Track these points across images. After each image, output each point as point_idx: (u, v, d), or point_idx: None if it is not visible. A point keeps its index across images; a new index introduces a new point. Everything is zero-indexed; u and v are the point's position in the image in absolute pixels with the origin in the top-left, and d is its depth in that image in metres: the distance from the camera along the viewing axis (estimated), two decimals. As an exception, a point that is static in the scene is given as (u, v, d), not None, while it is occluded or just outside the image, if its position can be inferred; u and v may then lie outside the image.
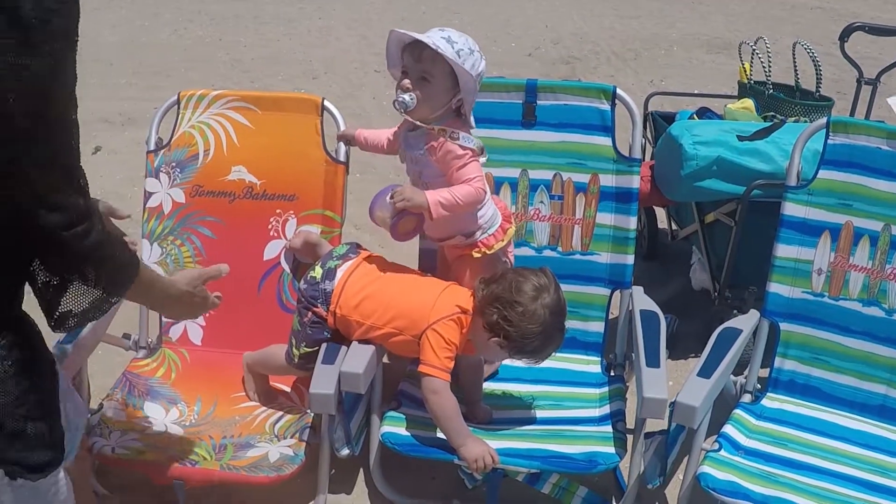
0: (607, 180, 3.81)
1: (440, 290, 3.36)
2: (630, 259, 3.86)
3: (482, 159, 3.44)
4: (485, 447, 3.19)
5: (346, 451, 3.27)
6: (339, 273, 3.42)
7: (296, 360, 3.42)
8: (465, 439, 3.20)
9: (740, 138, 4.14)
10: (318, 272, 3.44)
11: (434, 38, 3.20)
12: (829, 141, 3.58)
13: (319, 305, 3.39)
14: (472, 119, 3.42)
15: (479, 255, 3.52)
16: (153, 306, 2.78)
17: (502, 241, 3.55)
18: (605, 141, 3.83)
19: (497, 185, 3.88)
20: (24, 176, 1.87)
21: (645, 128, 5.30)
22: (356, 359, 3.21)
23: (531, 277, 3.22)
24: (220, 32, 11.52)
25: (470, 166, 3.37)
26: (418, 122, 3.35)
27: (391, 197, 3.31)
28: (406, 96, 3.28)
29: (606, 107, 3.83)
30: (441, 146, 3.35)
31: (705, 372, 3.22)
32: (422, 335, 3.24)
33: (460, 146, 3.34)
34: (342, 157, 3.77)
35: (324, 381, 3.11)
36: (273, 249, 3.81)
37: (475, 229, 3.51)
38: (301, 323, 3.40)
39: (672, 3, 13.39)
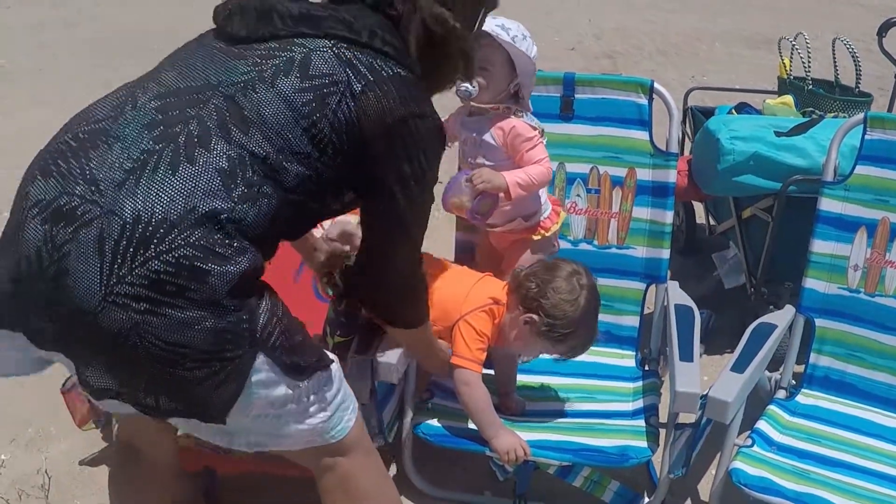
0: (644, 174, 3.81)
1: (473, 281, 3.36)
2: (666, 253, 3.85)
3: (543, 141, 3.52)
4: (516, 439, 3.19)
5: (378, 442, 3.27)
6: None
7: (330, 348, 3.42)
8: (497, 431, 3.20)
9: (777, 134, 4.12)
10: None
11: (489, 26, 3.24)
12: (867, 136, 3.57)
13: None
14: (528, 103, 3.48)
15: (538, 238, 3.61)
16: (424, 355, 3.26)
17: (557, 223, 3.64)
18: (642, 135, 3.83)
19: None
20: None
21: (684, 123, 5.31)
22: (390, 349, 3.20)
23: (567, 264, 3.26)
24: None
25: (538, 147, 3.48)
26: (482, 106, 3.44)
27: (469, 180, 3.36)
28: (468, 84, 3.31)
29: (644, 101, 3.83)
30: (510, 128, 3.45)
31: (738, 367, 3.21)
32: (454, 326, 3.25)
33: (529, 125, 3.45)
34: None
35: (357, 371, 3.11)
36: (310, 239, 3.78)
37: (535, 211, 3.59)
38: (335, 311, 3.40)
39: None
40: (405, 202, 2.41)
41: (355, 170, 2.33)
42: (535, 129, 3.48)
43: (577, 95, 3.88)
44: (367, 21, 2.34)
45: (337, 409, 2.50)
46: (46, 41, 10.56)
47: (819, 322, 3.65)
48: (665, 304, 3.75)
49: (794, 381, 3.71)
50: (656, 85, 3.84)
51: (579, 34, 11.07)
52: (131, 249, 2.06)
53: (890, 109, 5.18)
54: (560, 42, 10.71)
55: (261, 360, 2.21)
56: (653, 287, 3.88)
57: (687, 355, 3.25)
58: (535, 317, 3.17)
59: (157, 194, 2.10)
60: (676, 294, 3.73)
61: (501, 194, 3.40)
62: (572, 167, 3.88)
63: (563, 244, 3.90)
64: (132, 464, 2.83)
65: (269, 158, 2.20)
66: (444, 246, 3.93)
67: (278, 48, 2.29)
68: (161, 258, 2.06)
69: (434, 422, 3.38)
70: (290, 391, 2.32)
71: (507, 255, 3.70)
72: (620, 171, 3.86)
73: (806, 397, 3.63)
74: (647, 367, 3.81)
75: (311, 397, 2.41)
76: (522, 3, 12.32)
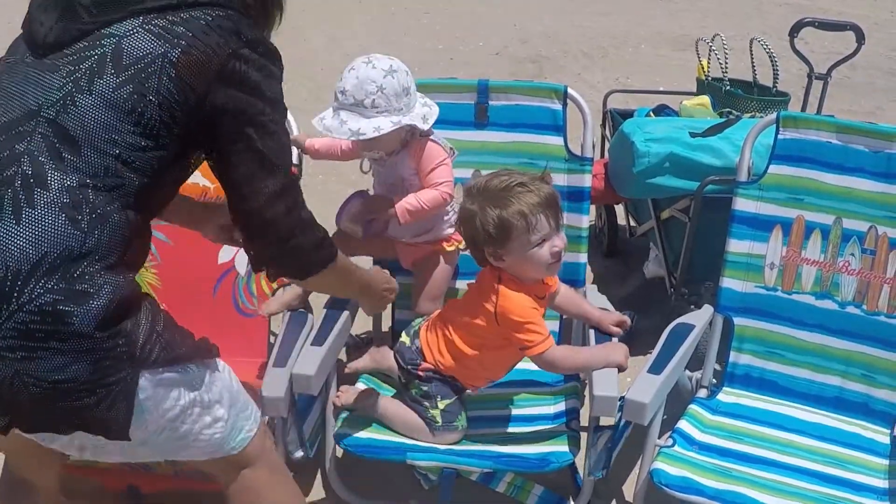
0: (559, 179, 3.78)
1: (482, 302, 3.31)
2: (583, 258, 3.87)
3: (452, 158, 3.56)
4: (620, 350, 3.29)
5: (299, 454, 3.24)
6: (420, 332, 3.42)
7: (438, 421, 3.37)
8: (608, 357, 3.27)
9: (693, 135, 4.15)
10: (405, 338, 3.45)
11: (360, 124, 3.28)
12: (780, 136, 3.61)
13: (422, 362, 3.37)
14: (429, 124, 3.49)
15: (451, 249, 3.68)
16: (348, 293, 3.14)
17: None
18: (556, 140, 3.84)
19: (450, 185, 3.88)
20: None
21: (604, 126, 5.33)
22: (308, 360, 3.17)
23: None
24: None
25: (442, 169, 3.49)
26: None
27: (358, 209, 3.42)
28: (369, 157, 3.49)
29: (558, 106, 3.84)
30: (421, 151, 3.49)
31: (656, 368, 3.23)
32: (511, 339, 3.23)
33: (441, 147, 3.50)
34: (295, 161, 3.77)
35: (274, 384, 3.06)
36: (227, 253, 3.76)
37: (434, 227, 3.62)
38: (422, 381, 3.37)
39: (644, 0, 13.40)
40: (259, 137, 2.31)
41: (199, 132, 2.29)
42: (445, 150, 3.52)
43: (491, 102, 3.88)
44: None
45: (235, 416, 2.51)
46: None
47: (738, 321, 3.68)
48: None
49: (714, 380, 3.74)
50: (570, 90, 3.85)
51: (505, 39, 11.07)
52: None
53: (804, 109, 5.22)
54: (485, 47, 10.72)
55: (145, 378, 2.23)
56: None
57: (658, 368, 3.26)
58: (498, 260, 3.20)
59: (6, 248, 2.10)
60: (595, 297, 3.74)
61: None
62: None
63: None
64: (20, 495, 2.80)
65: (108, 172, 2.18)
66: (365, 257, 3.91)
67: (88, 47, 2.22)
68: (24, 309, 2.08)
69: (356, 433, 3.35)
70: (179, 400, 2.34)
71: (421, 267, 3.75)
72: (536, 177, 3.85)
73: (727, 395, 3.66)
74: (567, 372, 3.80)
75: (203, 402, 2.42)
76: (450, 9, 12.41)
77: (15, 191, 2.13)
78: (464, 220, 3.22)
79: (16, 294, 2.08)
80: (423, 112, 3.43)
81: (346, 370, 3.60)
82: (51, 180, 2.14)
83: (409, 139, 3.49)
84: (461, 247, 3.61)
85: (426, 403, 3.35)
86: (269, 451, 2.70)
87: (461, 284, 3.79)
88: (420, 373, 3.35)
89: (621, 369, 3.23)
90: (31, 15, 2.35)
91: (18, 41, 2.38)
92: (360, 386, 3.51)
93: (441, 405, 3.33)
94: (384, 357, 3.53)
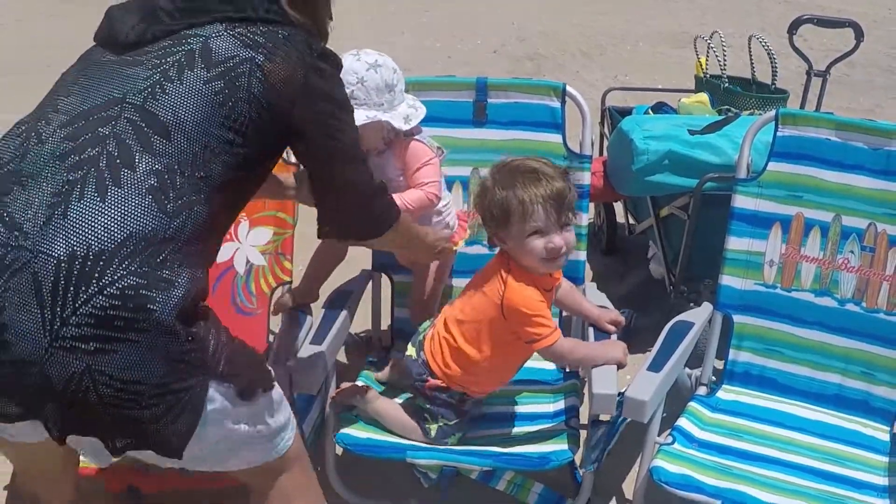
0: (557, 177, 3.80)
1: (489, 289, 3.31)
2: (581, 256, 3.87)
3: (440, 158, 3.55)
4: (619, 349, 3.30)
5: (299, 452, 3.25)
6: (425, 343, 3.40)
7: (432, 434, 3.37)
8: (606, 354, 3.29)
9: (691, 132, 4.15)
10: (411, 350, 3.44)
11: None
12: (779, 133, 3.60)
13: (429, 377, 3.36)
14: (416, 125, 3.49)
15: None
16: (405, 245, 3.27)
17: (464, 238, 3.68)
18: (555, 138, 3.84)
19: (449, 183, 3.86)
20: None
21: (602, 124, 5.33)
22: (307, 359, 3.19)
23: None
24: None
25: (427, 169, 3.50)
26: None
27: None
28: None
29: (557, 104, 3.84)
30: (406, 150, 3.49)
31: (655, 366, 3.23)
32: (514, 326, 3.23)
33: (426, 146, 3.50)
34: (292, 159, 3.76)
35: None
36: (226, 252, 3.78)
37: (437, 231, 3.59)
38: (427, 399, 3.38)
39: (642, -3, 13.42)
40: (339, 139, 2.48)
41: (281, 133, 2.37)
42: (431, 150, 3.52)
43: (489, 100, 3.88)
44: None
45: (282, 426, 2.48)
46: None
47: (737, 318, 3.68)
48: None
49: (714, 378, 3.73)
50: (569, 88, 3.85)
51: (503, 37, 11.06)
52: (72, 288, 2.00)
53: (802, 105, 5.22)
54: (483, 45, 10.71)
55: (213, 387, 2.18)
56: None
57: (657, 366, 3.26)
58: (501, 242, 3.23)
59: (90, 226, 2.05)
60: (594, 295, 3.74)
61: None
62: (487, 172, 3.87)
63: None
64: None
65: (196, 160, 2.18)
66: (365, 255, 3.91)
67: (173, 44, 2.28)
68: (105, 292, 2.01)
69: (356, 431, 3.35)
70: (243, 415, 2.29)
71: (418, 267, 3.79)
72: (534, 175, 3.85)
73: (727, 393, 3.66)
74: (567, 369, 3.80)
75: (262, 418, 2.38)
76: (449, 7, 12.41)
77: (100, 170, 2.11)
78: (478, 193, 3.26)
79: (97, 275, 2.02)
80: (407, 112, 3.43)
81: (377, 378, 3.65)
82: (138, 162, 2.13)
83: (393, 139, 3.50)
84: (457, 248, 3.60)
85: (427, 416, 3.36)
86: (304, 453, 2.67)
87: (460, 283, 3.77)
88: (427, 391, 3.35)
89: (620, 366, 3.23)
90: (108, 21, 2.40)
91: (89, 51, 2.43)
92: (359, 383, 3.50)
93: (440, 423, 3.34)
94: (403, 369, 3.54)
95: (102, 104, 2.22)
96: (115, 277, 2.03)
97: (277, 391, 2.45)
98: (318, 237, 2.74)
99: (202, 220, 2.20)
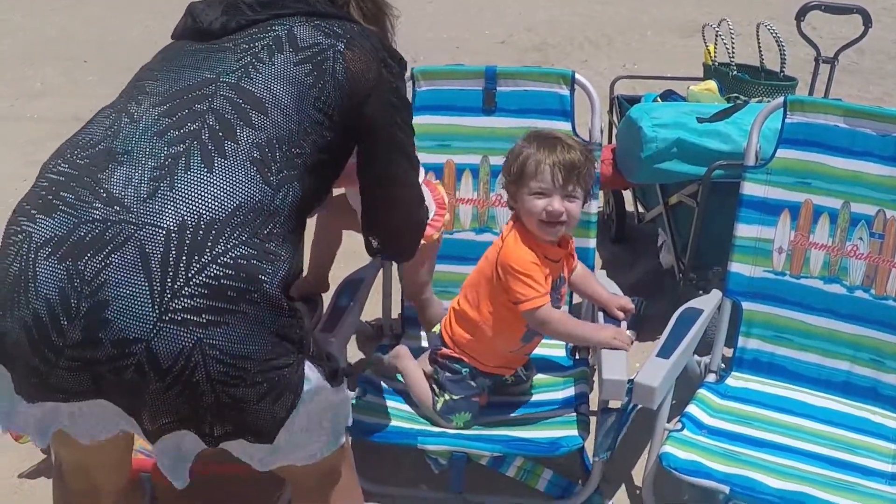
0: (567, 165, 3.80)
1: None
2: (592, 243, 3.88)
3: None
4: (610, 330, 3.31)
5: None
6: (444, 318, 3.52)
7: (438, 407, 3.42)
8: (595, 332, 3.34)
9: (700, 120, 4.15)
10: (437, 327, 3.57)
11: None
12: (787, 120, 3.60)
13: (442, 347, 3.45)
14: None
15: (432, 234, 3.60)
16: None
17: (439, 230, 3.60)
18: (564, 126, 3.83)
19: (458, 171, 3.90)
20: None
21: (611, 112, 5.34)
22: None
23: None
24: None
25: None
26: None
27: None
28: None
29: (566, 92, 3.85)
30: None
31: (664, 353, 3.23)
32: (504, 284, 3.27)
33: None
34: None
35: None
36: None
37: None
38: (439, 368, 3.44)
39: (646, -13, 13.41)
40: (401, 132, 2.55)
41: (356, 123, 2.40)
42: None
43: (499, 88, 3.90)
44: None
45: (345, 416, 2.48)
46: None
47: (746, 305, 3.68)
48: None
49: (723, 365, 3.74)
50: (578, 76, 3.86)
51: (510, 27, 11.07)
52: (184, 258, 1.98)
53: (811, 92, 5.22)
54: (491, 35, 10.72)
55: (307, 367, 2.18)
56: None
57: (666, 352, 3.26)
58: (513, 201, 3.32)
59: (200, 195, 2.05)
60: (604, 283, 3.74)
61: None
62: (496, 160, 3.87)
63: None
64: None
65: (292, 137, 2.21)
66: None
67: (259, 31, 2.34)
68: (218, 261, 2.00)
69: (366, 418, 3.37)
70: (329, 399, 2.30)
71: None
72: (544, 163, 3.85)
73: (736, 380, 3.66)
74: (577, 356, 3.83)
75: (339, 409, 2.39)
76: (453, -2, 12.39)
77: (202, 142, 2.12)
78: (508, 152, 3.33)
79: (209, 244, 2.00)
80: None
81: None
82: (240, 135, 2.15)
83: None
84: (438, 236, 3.60)
85: (436, 388, 3.40)
86: (350, 451, 2.66)
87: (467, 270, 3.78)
88: (438, 359, 3.42)
89: (611, 348, 3.23)
90: (191, 15, 2.46)
91: (170, 45, 2.49)
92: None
93: (446, 397, 3.37)
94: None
95: (196, 84, 2.25)
96: (229, 247, 2.01)
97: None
98: (369, 254, 2.81)
99: (299, 197, 2.21)
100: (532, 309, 3.19)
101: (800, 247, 3.61)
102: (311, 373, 2.19)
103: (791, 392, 3.61)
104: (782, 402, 3.55)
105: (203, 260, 1.98)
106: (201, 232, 2.00)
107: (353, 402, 3.42)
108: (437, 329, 3.52)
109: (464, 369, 3.38)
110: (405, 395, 3.55)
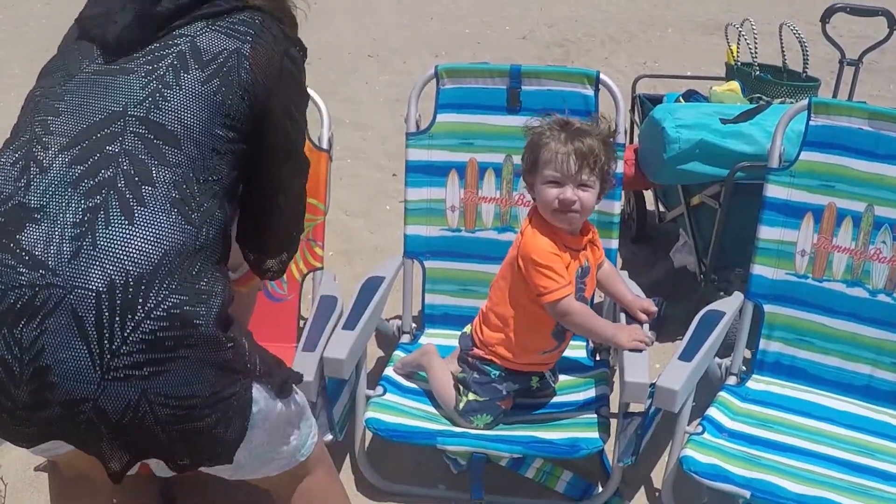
0: (591, 165, 3.80)
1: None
2: (614, 243, 3.86)
3: None
4: (630, 331, 3.31)
5: (329, 437, 3.24)
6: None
7: (460, 407, 3.42)
8: (613, 331, 3.34)
9: (723, 121, 4.14)
10: (468, 328, 3.56)
11: None
12: (811, 122, 3.58)
13: (473, 347, 3.46)
14: None
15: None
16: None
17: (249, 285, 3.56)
18: (588, 127, 3.81)
19: (482, 170, 3.89)
20: None
21: (633, 111, 5.33)
22: (339, 344, 3.20)
23: None
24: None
25: None
26: None
27: None
28: None
29: (590, 92, 3.83)
30: None
31: (686, 355, 3.23)
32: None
33: None
34: (325, 145, 3.77)
35: (303, 368, 3.05)
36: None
37: None
38: (468, 368, 3.45)
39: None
40: (294, 128, 2.44)
41: (259, 125, 2.30)
42: None
43: (523, 87, 3.88)
44: None
45: (307, 424, 2.49)
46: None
47: (768, 308, 3.67)
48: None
49: (744, 368, 3.72)
50: (602, 76, 3.84)
51: (531, 23, 11.07)
52: (118, 319, 1.96)
53: (835, 95, 5.21)
54: (512, 31, 10.72)
55: (255, 389, 2.18)
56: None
57: (688, 355, 3.26)
58: (530, 190, 3.36)
59: (124, 250, 2.00)
60: (629, 283, 3.73)
61: None
62: (519, 159, 3.82)
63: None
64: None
65: (207, 164, 2.15)
66: (395, 241, 3.92)
67: (161, 47, 2.22)
68: (152, 316, 1.97)
69: (386, 416, 3.37)
70: (282, 413, 2.31)
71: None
72: (568, 163, 3.84)
73: (757, 383, 3.65)
74: (598, 357, 3.82)
75: (294, 420, 2.40)
76: (475, -6, 12.39)
77: (119, 191, 2.05)
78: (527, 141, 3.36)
79: (140, 300, 1.97)
80: None
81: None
82: (156, 176, 2.08)
83: None
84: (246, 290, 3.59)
85: (461, 388, 3.41)
86: (326, 455, 2.67)
87: (489, 268, 3.78)
88: (469, 358, 3.44)
89: (624, 349, 3.24)
90: (94, 23, 2.32)
91: (71, 53, 2.32)
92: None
93: (470, 397, 3.37)
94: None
95: (103, 120, 2.15)
96: (160, 299, 1.99)
97: (301, 394, 2.47)
98: (253, 270, 2.66)
99: (221, 225, 2.18)
100: (554, 301, 3.20)
101: (823, 250, 3.60)
102: (259, 394, 2.19)
103: (812, 395, 3.59)
104: (803, 406, 3.54)
105: (137, 318, 1.97)
106: (131, 289, 1.98)
107: (374, 400, 3.43)
108: (467, 329, 3.52)
109: (494, 371, 3.38)
110: (426, 394, 3.56)
